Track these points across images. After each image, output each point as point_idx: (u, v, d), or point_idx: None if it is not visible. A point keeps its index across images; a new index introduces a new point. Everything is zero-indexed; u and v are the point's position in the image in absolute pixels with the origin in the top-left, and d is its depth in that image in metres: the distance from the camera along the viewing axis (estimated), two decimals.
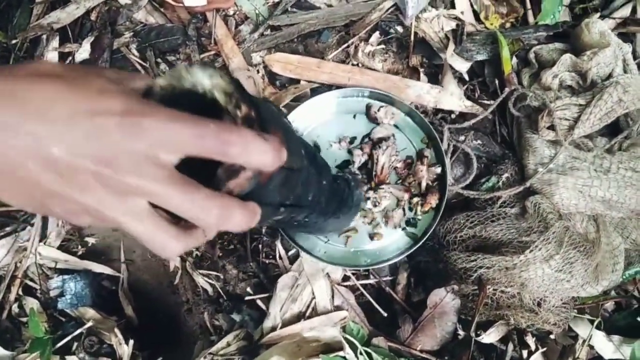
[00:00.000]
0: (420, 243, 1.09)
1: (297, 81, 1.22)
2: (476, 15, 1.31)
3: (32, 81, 0.34)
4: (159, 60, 1.26)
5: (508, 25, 1.30)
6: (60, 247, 1.16)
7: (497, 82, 1.23)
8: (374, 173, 1.12)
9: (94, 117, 0.33)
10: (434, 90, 1.19)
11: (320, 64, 1.20)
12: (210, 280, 1.11)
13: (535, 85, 1.18)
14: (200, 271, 1.12)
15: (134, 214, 0.35)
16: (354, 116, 1.19)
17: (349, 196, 0.89)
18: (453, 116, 1.20)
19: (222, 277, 1.12)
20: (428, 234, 1.09)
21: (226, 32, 1.25)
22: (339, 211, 0.82)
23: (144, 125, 0.33)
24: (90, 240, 1.19)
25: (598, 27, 1.17)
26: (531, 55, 1.23)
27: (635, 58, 1.23)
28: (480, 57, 1.24)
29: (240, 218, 0.38)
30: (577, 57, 1.15)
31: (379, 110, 1.16)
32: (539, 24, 1.27)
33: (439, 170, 1.13)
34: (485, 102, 1.21)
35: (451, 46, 1.23)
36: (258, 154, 0.36)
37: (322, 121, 1.17)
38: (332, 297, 1.10)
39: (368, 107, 1.17)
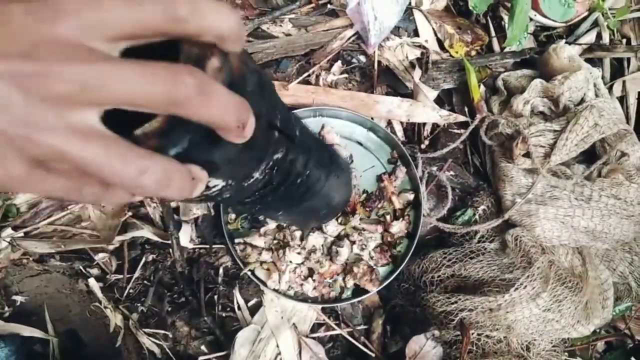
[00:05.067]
0: (399, 270, 1.01)
1: None
2: (440, 43, 1.26)
3: None
4: None
5: (473, 53, 1.25)
6: None
7: (466, 110, 1.16)
8: None
9: None
10: (405, 103, 1.11)
11: (281, 85, 1.11)
12: (157, 341, 0.97)
13: (506, 112, 1.13)
14: (146, 330, 0.98)
15: (78, 132, 0.24)
16: None
17: (334, 153, 0.73)
18: (423, 146, 1.11)
19: (171, 335, 0.97)
20: (405, 260, 1.01)
21: None
22: (335, 165, 0.67)
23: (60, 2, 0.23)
24: (19, 299, 1.03)
25: (566, 52, 1.13)
26: (499, 83, 1.19)
27: (604, 83, 1.19)
28: (447, 86, 1.19)
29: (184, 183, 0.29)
30: (547, 82, 1.10)
31: (322, 128, 1.08)
32: (506, 51, 1.23)
33: (411, 197, 1.06)
34: (456, 131, 1.14)
35: (417, 72, 1.17)
36: (213, 13, 0.27)
37: None
38: (300, 351, 0.97)
39: (322, 128, 1.10)
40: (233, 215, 1.05)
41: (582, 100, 1.11)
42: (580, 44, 1.24)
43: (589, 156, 1.11)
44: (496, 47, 1.26)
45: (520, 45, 1.23)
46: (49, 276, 1.04)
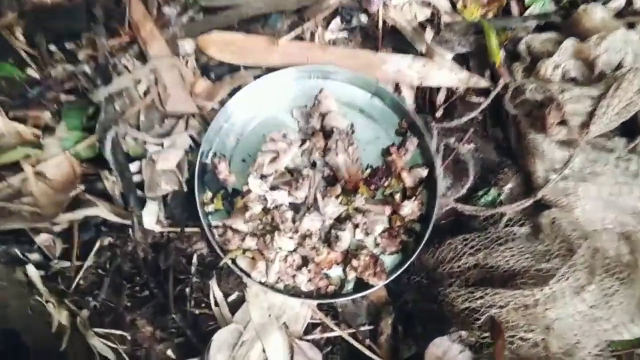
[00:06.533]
0: (411, 260, 0.87)
1: (238, 69, 0.97)
2: (453, 4, 1.10)
3: None
4: (52, 47, 0.97)
5: (490, 15, 1.10)
6: None
7: (486, 76, 1.01)
8: (342, 180, 0.89)
9: None
10: (418, 63, 0.95)
11: (269, 41, 0.94)
12: (111, 344, 0.81)
13: (531, 79, 0.98)
14: (97, 330, 0.82)
15: None
16: (306, 106, 0.97)
17: None
18: (438, 114, 0.95)
19: (129, 337, 0.83)
20: (419, 248, 0.87)
21: (144, 13, 0.98)
22: None
23: None
24: None
25: (599, 11, 1.00)
26: (522, 47, 1.05)
27: None
28: (462, 50, 1.04)
29: None
30: (581, 43, 0.95)
31: (319, 92, 0.94)
32: (528, 14, 1.09)
33: (424, 173, 0.92)
34: (474, 100, 0.99)
35: (429, 32, 1.01)
36: None
37: (267, 116, 0.95)
38: (292, 357, 0.84)
39: (319, 92, 0.95)
40: (210, 194, 0.90)
41: (619, 66, 0.96)
42: (609, 9, 1.10)
43: (628, 129, 0.95)
44: (514, 10, 1.11)
45: (544, 7, 1.08)
46: None
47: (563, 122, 0.89)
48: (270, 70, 0.96)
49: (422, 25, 1.06)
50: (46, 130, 0.91)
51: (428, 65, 0.95)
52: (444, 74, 0.95)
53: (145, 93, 0.94)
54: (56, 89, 0.94)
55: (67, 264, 0.84)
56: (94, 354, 0.80)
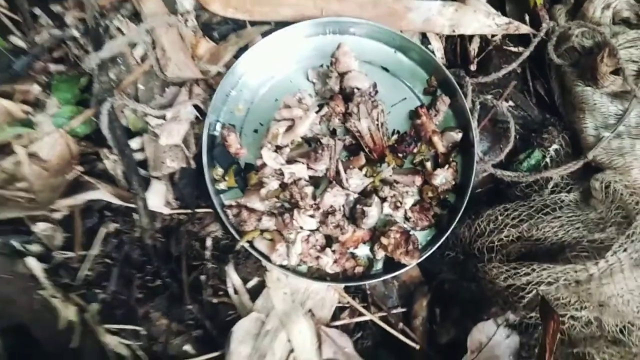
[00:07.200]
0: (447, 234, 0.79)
1: (244, 25, 0.88)
2: None
3: None
4: (36, 10, 0.87)
5: None
6: None
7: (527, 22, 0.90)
8: (366, 148, 0.81)
9: None
10: (448, 9, 0.84)
11: None
12: (124, 340, 0.74)
13: (578, 22, 0.88)
14: (109, 326, 0.75)
15: None
16: (322, 65, 0.87)
17: None
18: (472, 68, 0.85)
19: (144, 332, 0.77)
20: (455, 221, 0.79)
21: None
22: None
23: None
24: None
25: None
26: None
27: None
28: None
29: None
30: None
31: (337, 49, 0.85)
32: None
33: (458, 136, 0.83)
34: (512, 49, 0.88)
35: None
36: None
37: (279, 79, 0.86)
38: (320, 346, 0.78)
39: (337, 48, 0.86)
40: (221, 170, 0.82)
41: None
42: None
43: None
44: None
45: None
46: None
47: (617, 71, 0.81)
48: (280, 25, 0.86)
49: None
50: (36, 106, 0.82)
51: (461, 10, 0.83)
52: (480, 19, 0.84)
53: (143, 58, 0.85)
54: (44, 58, 0.84)
55: (70, 254, 0.77)
56: (106, 351, 0.74)
